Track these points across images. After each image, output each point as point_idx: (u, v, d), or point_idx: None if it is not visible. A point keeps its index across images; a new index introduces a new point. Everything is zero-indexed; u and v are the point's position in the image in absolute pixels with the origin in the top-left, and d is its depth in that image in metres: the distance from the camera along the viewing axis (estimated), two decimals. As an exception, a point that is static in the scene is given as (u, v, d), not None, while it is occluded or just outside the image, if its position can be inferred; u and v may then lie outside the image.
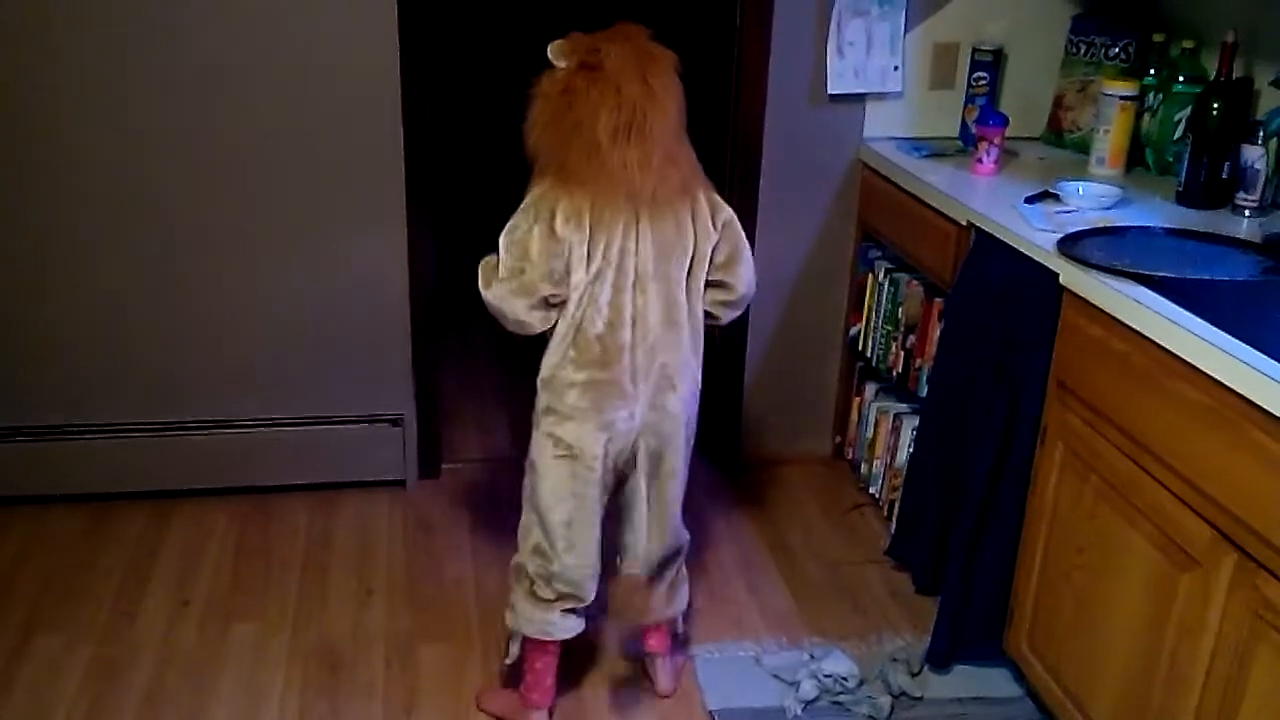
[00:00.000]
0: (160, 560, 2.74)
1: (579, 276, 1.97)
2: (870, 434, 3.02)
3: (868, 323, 3.00)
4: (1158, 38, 2.67)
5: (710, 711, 2.32)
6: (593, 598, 2.16)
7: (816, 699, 2.33)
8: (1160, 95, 2.64)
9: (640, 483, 2.11)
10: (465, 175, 5.01)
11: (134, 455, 2.92)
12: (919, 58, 2.92)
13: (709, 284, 2.10)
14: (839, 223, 3.05)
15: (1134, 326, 1.89)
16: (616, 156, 1.92)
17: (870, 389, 3.03)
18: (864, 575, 2.78)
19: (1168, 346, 1.81)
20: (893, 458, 2.89)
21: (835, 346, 3.18)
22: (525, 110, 2.02)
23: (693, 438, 2.17)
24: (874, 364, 2.99)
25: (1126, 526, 1.94)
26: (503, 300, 2.01)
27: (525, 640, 2.18)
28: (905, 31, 2.88)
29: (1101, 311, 1.98)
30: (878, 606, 2.66)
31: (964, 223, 2.46)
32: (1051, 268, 2.13)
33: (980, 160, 2.66)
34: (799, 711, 2.31)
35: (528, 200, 2.01)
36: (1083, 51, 2.80)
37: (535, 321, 2.03)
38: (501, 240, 2.01)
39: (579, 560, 2.11)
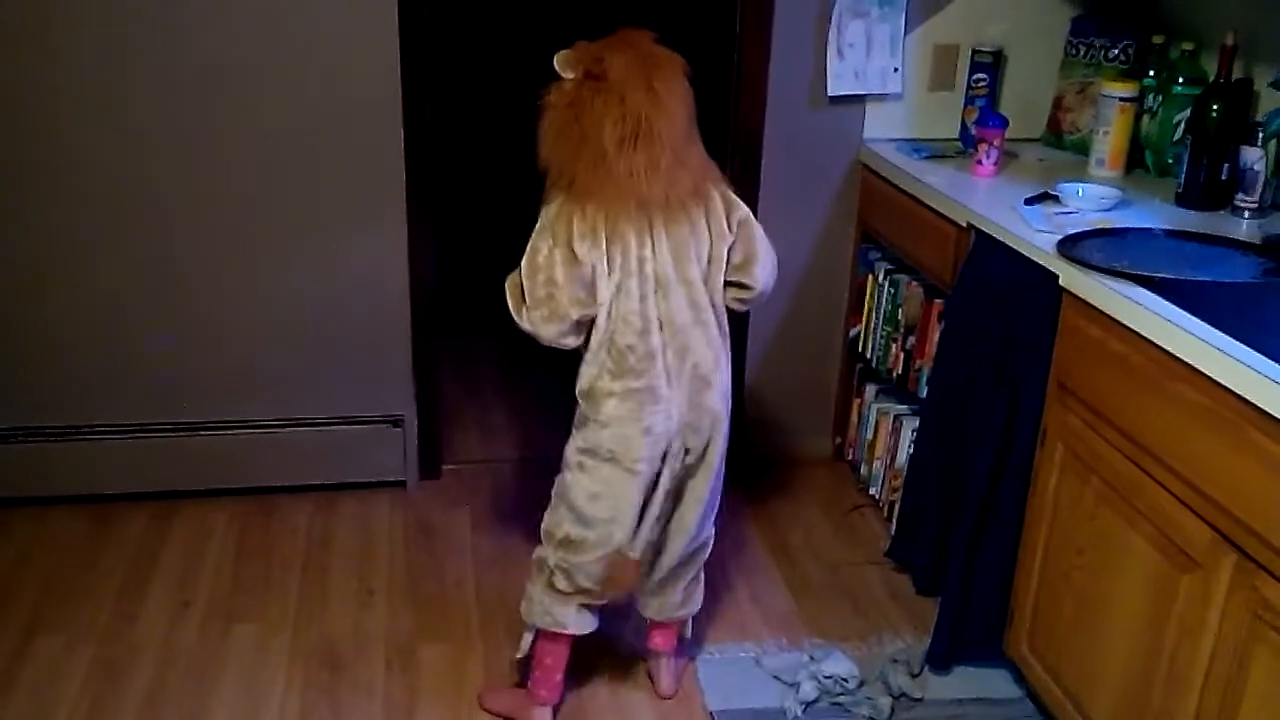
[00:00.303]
0: (161, 561, 2.74)
1: (605, 293, 1.99)
2: (870, 435, 3.02)
3: (868, 324, 3.00)
4: (1157, 39, 2.68)
5: (711, 712, 2.32)
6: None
7: (817, 700, 2.34)
8: (1160, 97, 2.64)
9: (675, 478, 2.12)
10: (466, 175, 5.02)
11: (136, 456, 2.92)
12: (919, 59, 2.93)
13: (727, 284, 2.11)
14: (839, 224, 3.05)
15: (1134, 328, 1.89)
16: (623, 165, 1.93)
17: (870, 390, 3.03)
18: (864, 576, 2.78)
19: (1167, 348, 1.81)
20: (893, 459, 2.90)
21: (835, 347, 3.18)
22: (534, 119, 2.03)
23: (727, 430, 2.18)
24: (874, 365, 2.99)
25: (1126, 527, 1.94)
26: (536, 326, 2.02)
27: (537, 634, 2.19)
28: (905, 33, 2.88)
29: (1101, 313, 1.98)
30: (878, 608, 2.67)
31: (964, 224, 2.46)
32: (1051, 269, 2.13)
33: (980, 162, 2.66)
34: (799, 712, 2.31)
35: (544, 221, 2.02)
36: (1082, 53, 2.81)
37: (570, 342, 2.05)
38: (524, 266, 2.02)
39: (606, 556, 2.11)
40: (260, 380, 2.92)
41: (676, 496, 2.15)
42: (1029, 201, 2.42)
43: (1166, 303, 1.88)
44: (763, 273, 2.14)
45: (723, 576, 2.75)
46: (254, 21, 2.64)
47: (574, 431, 2.12)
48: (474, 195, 4.98)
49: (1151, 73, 2.67)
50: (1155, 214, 2.39)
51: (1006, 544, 2.31)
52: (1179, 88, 2.59)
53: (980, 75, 2.87)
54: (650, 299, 2.01)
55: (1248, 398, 1.64)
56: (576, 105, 1.96)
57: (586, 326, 2.04)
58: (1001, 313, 2.30)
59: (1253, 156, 2.33)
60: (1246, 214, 2.36)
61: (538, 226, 2.02)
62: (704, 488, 2.16)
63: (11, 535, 2.81)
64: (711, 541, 2.28)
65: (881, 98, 2.94)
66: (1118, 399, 1.95)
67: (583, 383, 2.08)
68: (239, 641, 2.47)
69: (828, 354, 3.19)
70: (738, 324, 3.08)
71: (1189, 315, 1.82)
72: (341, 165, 2.78)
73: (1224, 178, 2.40)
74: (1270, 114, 2.36)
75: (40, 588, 2.62)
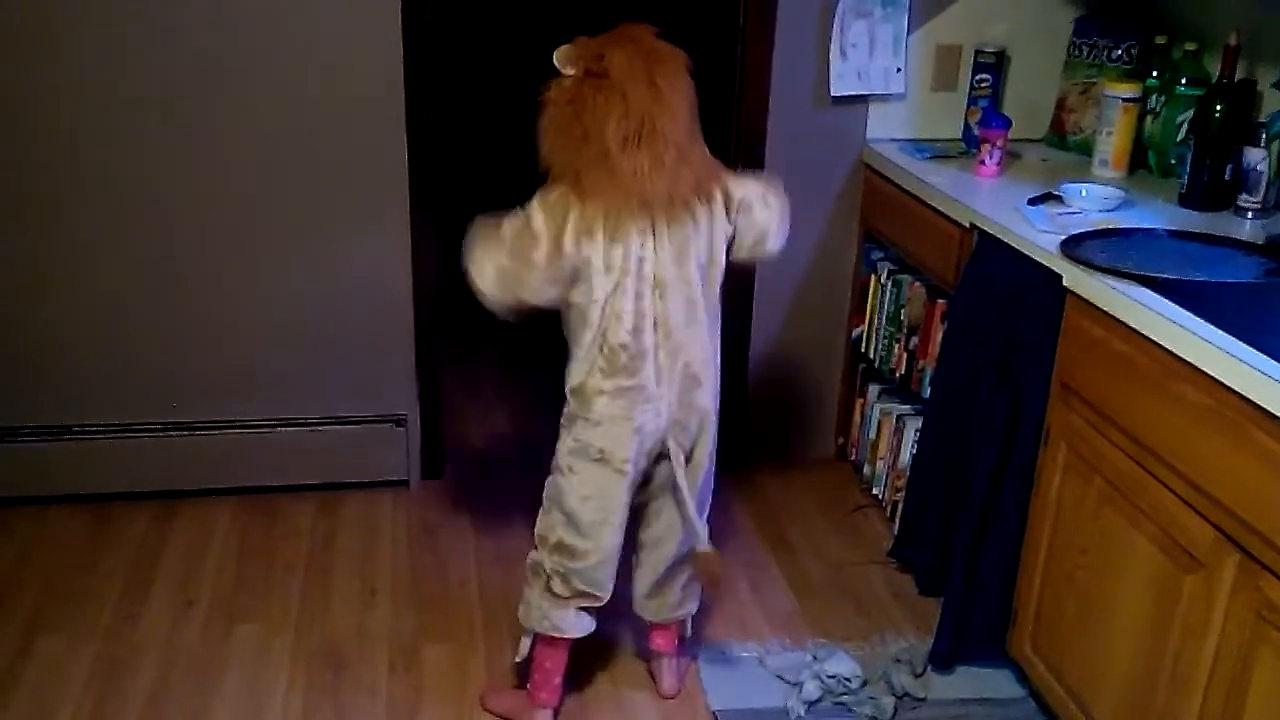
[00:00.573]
0: (163, 561, 2.74)
1: (600, 291, 1.98)
2: (873, 435, 3.02)
3: (870, 324, 3.00)
4: (1160, 40, 2.67)
5: (713, 712, 2.32)
6: (609, 597, 2.18)
7: (819, 700, 2.34)
8: (1163, 97, 2.64)
9: (667, 477, 2.12)
10: (470, 176, 5.01)
11: (137, 455, 2.92)
12: (922, 59, 2.93)
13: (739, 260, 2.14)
14: (842, 224, 3.05)
15: (1137, 328, 1.89)
16: (627, 164, 1.91)
17: (873, 390, 3.03)
18: (867, 576, 2.78)
19: (1171, 348, 1.81)
20: (895, 459, 2.90)
21: (838, 348, 3.18)
22: (535, 117, 2.01)
23: (715, 429, 2.18)
24: (877, 365, 2.99)
25: (1129, 528, 1.94)
26: (488, 286, 1.99)
27: (536, 638, 2.19)
28: (908, 33, 2.88)
29: (1104, 313, 1.98)
30: (881, 607, 2.67)
31: (967, 224, 2.46)
32: (1054, 269, 2.13)
33: (983, 162, 2.66)
34: (802, 712, 2.31)
35: (546, 199, 1.98)
36: (1085, 53, 2.81)
37: (502, 313, 2.04)
38: (507, 229, 1.99)
39: (601, 559, 2.12)
40: (263, 380, 2.92)
41: (673, 496, 2.14)
42: (1032, 202, 2.42)
43: (1170, 303, 1.87)
44: (773, 245, 2.16)
45: (725, 576, 2.75)
46: (256, 21, 2.64)
47: (563, 431, 2.11)
48: (477, 196, 4.98)
49: (1155, 73, 2.67)
50: (1158, 214, 2.39)
51: (1009, 544, 2.31)
52: (1182, 88, 2.58)
53: (983, 76, 2.87)
54: (647, 298, 2.00)
55: (1251, 398, 1.64)
56: (577, 102, 1.94)
57: (529, 311, 2.03)
58: (1004, 313, 2.29)
59: (1256, 157, 2.33)
60: (1250, 214, 2.36)
61: (538, 201, 1.98)
62: (696, 485, 2.15)
63: (12, 535, 2.81)
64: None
65: (884, 98, 2.94)
66: (1121, 399, 1.95)
67: (573, 380, 2.07)
68: (241, 641, 2.47)
69: (830, 354, 3.19)
70: (740, 324, 3.10)
71: (1192, 315, 1.82)
72: (344, 165, 2.78)
73: (1227, 178, 2.40)
74: (1273, 115, 2.36)
75: (42, 588, 2.62)
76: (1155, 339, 1.85)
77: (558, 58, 1.98)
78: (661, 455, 2.10)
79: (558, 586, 2.13)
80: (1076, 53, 2.83)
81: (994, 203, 2.45)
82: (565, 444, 2.10)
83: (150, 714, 2.27)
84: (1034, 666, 2.27)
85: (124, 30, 2.60)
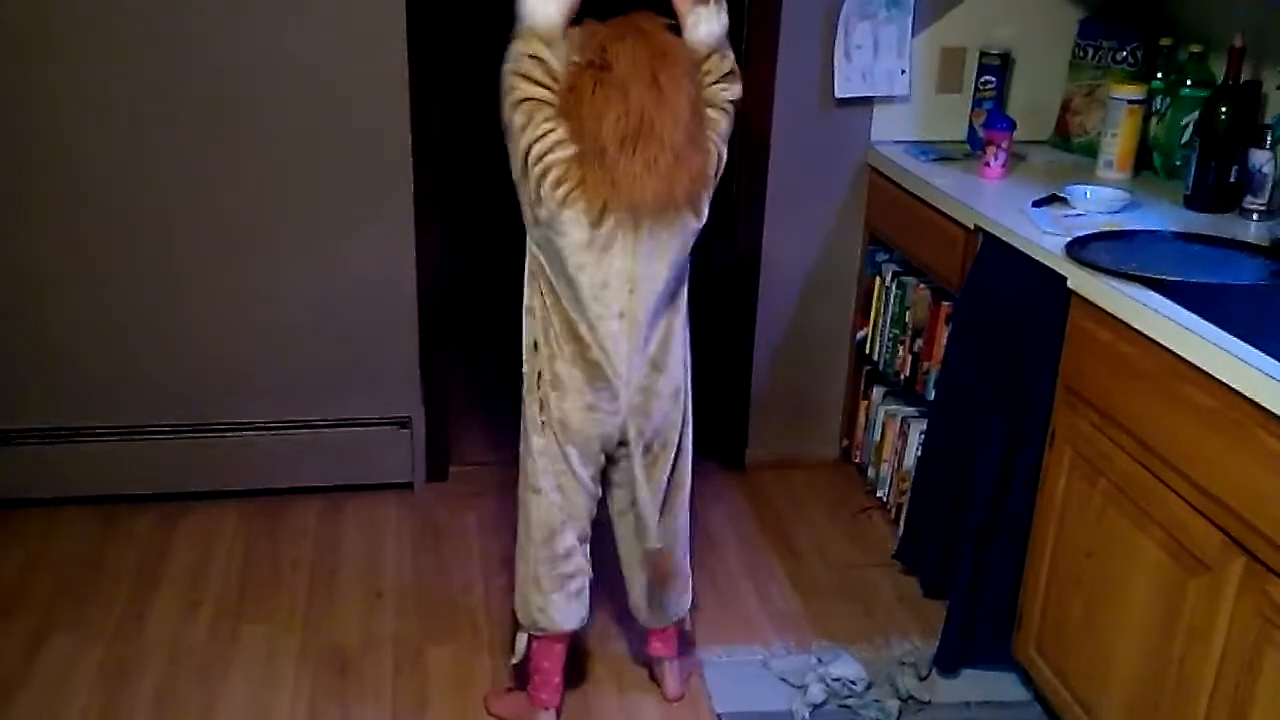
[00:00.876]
0: (170, 562, 2.75)
1: (572, 262, 1.96)
2: (878, 437, 3.02)
3: (875, 326, 3.00)
4: (1165, 41, 2.67)
5: (718, 715, 2.32)
6: (589, 567, 2.18)
7: (824, 703, 2.34)
8: (1168, 99, 2.64)
9: (635, 466, 2.10)
10: (474, 177, 5.01)
11: (143, 457, 2.93)
12: (926, 62, 2.93)
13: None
14: (846, 226, 3.05)
15: (1142, 330, 1.89)
16: (623, 165, 1.88)
17: (878, 392, 3.03)
18: (872, 579, 2.78)
19: (1176, 350, 1.81)
20: (900, 461, 2.90)
21: (842, 350, 3.18)
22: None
23: (689, 411, 2.17)
24: (881, 367, 2.99)
25: (1135, 530, 1.94)
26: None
27: (531, 638, 2.19)
28: (912, 35, 2.88)
29: (1109, 315, 1.98)
30: (885, 610, 2.67)
31: (971, 226, 2.46)
32: (1059, 271, 2.13)
33: (988, 164, 2.66)
34: (807, 715, 2.31)
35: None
36: (1090, 55, 2.80)
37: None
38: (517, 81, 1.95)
39: (574, 529, 2.13)
40: (267, 382, 2.93)
41: (645, 485, 2.12)
42: (1037, 204, 2.42)
43: (1175, 305, 1.87)
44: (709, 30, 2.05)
45: (729, 578, 2.76)
46: (258, 20, 2.64)
47: (524, 405, 2.10)
48: (482, 197, 4.98)
49: (1160, 75, 2.67)
50: (1163, 216, 2.39)
51: (1014, 547, 2.31)
52: (1187, 90, 2.58)
53: (988, 77, 2.87)
54: (613, 287, 1.98)
55: (1256, 400, 1.64)
56: (576, 92, 1.90)
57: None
58: (1009, 315, 2.29)
59: (1261, 159, 2.33)
60: (1255, 216, 2.36)
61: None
62: (662, 473, 2.15)
63: (21, 537, 2.81)
64: (688, 540, 2.28)
65: (889, 100, 2.94)
66: (1126, 401, 1.95)
67: (528, 337, 2.07)
68: (248, 642, 2.48)
69: (835, 356, 3.19)
70: (744, 326, 3.10)
71: (1198, 318, 1.82)
72: (349, 166, 2.79)
73: (1232, 180, 2.40)
74: (1279, 116, 2.35)
75: (50, 589, 2.63)
76: (1160, 341, 1.85)
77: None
78: (621, 443, 2.09)
79: (542, 571, 2.13)
80: (1081, 55, 2.83)
81: (999, 205, 2.45)
82: (526, 410, 2.12)
83: (157, 714, 2.27)
84: (1039, 669, 2.26)
85: (124, 30, 2.60)
